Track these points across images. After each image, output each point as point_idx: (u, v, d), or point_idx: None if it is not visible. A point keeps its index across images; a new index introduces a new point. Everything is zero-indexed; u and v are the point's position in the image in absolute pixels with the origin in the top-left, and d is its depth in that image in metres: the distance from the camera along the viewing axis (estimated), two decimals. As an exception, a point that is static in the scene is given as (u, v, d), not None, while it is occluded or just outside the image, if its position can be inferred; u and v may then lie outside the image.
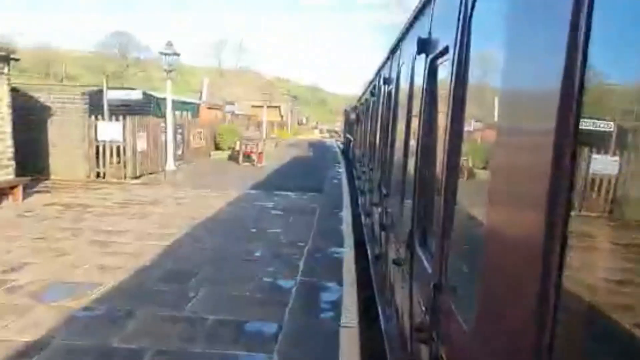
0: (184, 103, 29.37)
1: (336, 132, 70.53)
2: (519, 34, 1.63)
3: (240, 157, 24.62)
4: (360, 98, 18.26)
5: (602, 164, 1.32)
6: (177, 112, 27.22)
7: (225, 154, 27.04)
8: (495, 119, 1.82)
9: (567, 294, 1.23)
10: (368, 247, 8.61)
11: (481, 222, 1.87)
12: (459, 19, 2.38)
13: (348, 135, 29.75)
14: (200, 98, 58.13)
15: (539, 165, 1.32)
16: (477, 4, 2.20)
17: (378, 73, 9.31)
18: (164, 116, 24.24)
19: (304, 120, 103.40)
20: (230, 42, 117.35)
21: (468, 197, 2.43)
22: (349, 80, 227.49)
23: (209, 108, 36.42)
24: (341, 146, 43.12)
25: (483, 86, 2.30)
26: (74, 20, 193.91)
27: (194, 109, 30.80)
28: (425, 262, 2.90)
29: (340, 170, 24.93)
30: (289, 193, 16.75)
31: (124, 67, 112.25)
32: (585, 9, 1.15)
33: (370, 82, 12.07)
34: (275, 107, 67.28)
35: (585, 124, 1.21)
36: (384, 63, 7.80)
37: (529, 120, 1.51)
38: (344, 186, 18.80)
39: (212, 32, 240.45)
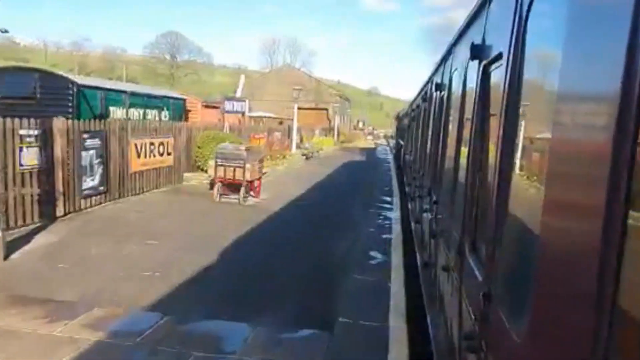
0: (152, 97, 18.08)
1: (392, 138, 58.77)
2: (577, 39, 1.53)
3: (215, 190, 13.50)
4: (412, 103, 16.61)
5: None
6: (134, 110, 16.48)
7: (206, 177, 15.99)
8: (551, 125, 1.68)
9: (625, 305, 1.12)
10: (417, 254, 7.75)
11: (535, 231, 1.74)
12: (513, 24, 2.26)
13: (400, 140, 27.30)
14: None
15: (597, 173, 1.24)
16: (532, 8, 2.06)
17: (430, 79, 8.59)
18: (100, 117, 13.62)
19: (360, 125, 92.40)
20: (284, 43, 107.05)
21: (521, 205, 2.17)
22: (408, 84, 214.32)
23: (207, 107, 25.43)
24: (394, 150, 38.01)
25: (538, 92, 2.14)
26: (127, 21, 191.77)
27: (179, 106, 20.02)
28: (476, 270, 2.71)
29: (391, 216, 13.30)
30: (242, 336, 5.58)
31: (174, 68, 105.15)
32: None
33: (422, 88, 10.88)
34: (322, 109, 56.10)
35: None
36: (436, 69, 7.45)
37: (587, 126, 1.43)
38: (398, 295, 7.31)
39: (268, 33, 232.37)
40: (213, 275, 7.75)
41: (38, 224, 9.74)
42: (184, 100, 20.53)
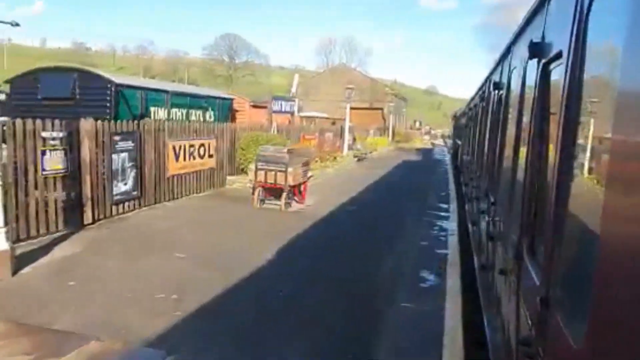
0: (196, 97, 17.10)
1: (450, 138, 56.28)
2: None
3: (255, 195, 12.53)
4: (469, 103, 16.02)
5: None
6: (177, 111, 15.83)
7: (249, 180, 15.06)
8: (612, 125, 1.63)
9: None
10: (475, 256, 7.21)
11: (595, 233, 1.63)
12: (573, 21, 2.19)
13: (457, 140, 26.71)
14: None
15: None
16: (593, 5, 1.99)
17: (488, 78, 8.43)
18: (140, 117, 13.05)
19: (417, 125, 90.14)
20: (340, 43, 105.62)
21: (581, 207, 2.08)
22: (466, 83, 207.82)
23: (255, 106, 24.50)
24: (451, 150, 35.61)
25: (600, 91, 2.04)
26: (188, 24, 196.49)
27: (226, 107, 19.18)
28: (533, 274, 2.62)
29: (447, 226, 11.84)
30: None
31: (232, 70, 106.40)
32: None
33: (480, 87, 10.53)
34: (377, 109, 54.50)
35: None
36: (495, 68, 7.31)
37: None
38: (454, 332, 5.95)
39: (325, 34, 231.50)
40: (236, 300, 6.68)
41: (63, 232, 9.06)
42: (231, 100, 19.63)
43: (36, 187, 8.65)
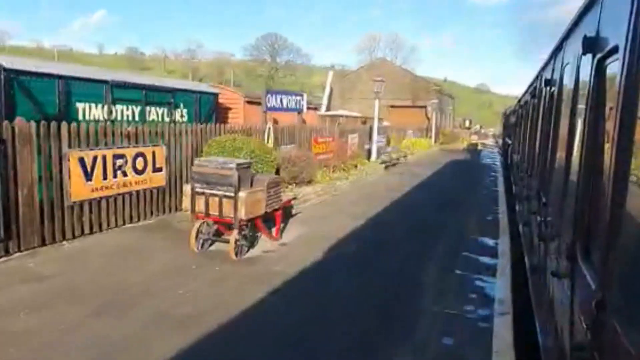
0: (157, 91, 12.29)
1: (500, 137, 49.94)
2: None
3: (193, 233, 8.08)
4: (519, 100, 15.23)
5: None
6: (124, 108, 11.60)
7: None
8: None
9: None
10: (526, 257, 6.86)
11: None
12: (630, 15, 2.05)
13: (507, 139, 25.43)
14: (323, 96, 43.14)
15: None
16: None
17: (539, 74, 8.10)
18: (59, 118, 9.08)
19: (467, 124, 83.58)
20: (384, 40, 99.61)
21: (637, 208, 1.91)
22: (518, 81, 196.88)
23: (251, 102, 19.73)
24: (501, 150, 33.76)
25: None
26: (234, 26, 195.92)
27: (207, 103, 14.67)
28: (588, 277, 2.47)
29: (492, 293, 7.02)
30: None
31: (273, 70, 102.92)
32: None
33: (531, 84, 10.31)
34: (420, 107, 48.98)
35: None
36: (546, 64, 6.97)
37: None
38: None
39: (369, 33, 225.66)
40: None
41: None
42: (215, 94, 15.14)
43: None
